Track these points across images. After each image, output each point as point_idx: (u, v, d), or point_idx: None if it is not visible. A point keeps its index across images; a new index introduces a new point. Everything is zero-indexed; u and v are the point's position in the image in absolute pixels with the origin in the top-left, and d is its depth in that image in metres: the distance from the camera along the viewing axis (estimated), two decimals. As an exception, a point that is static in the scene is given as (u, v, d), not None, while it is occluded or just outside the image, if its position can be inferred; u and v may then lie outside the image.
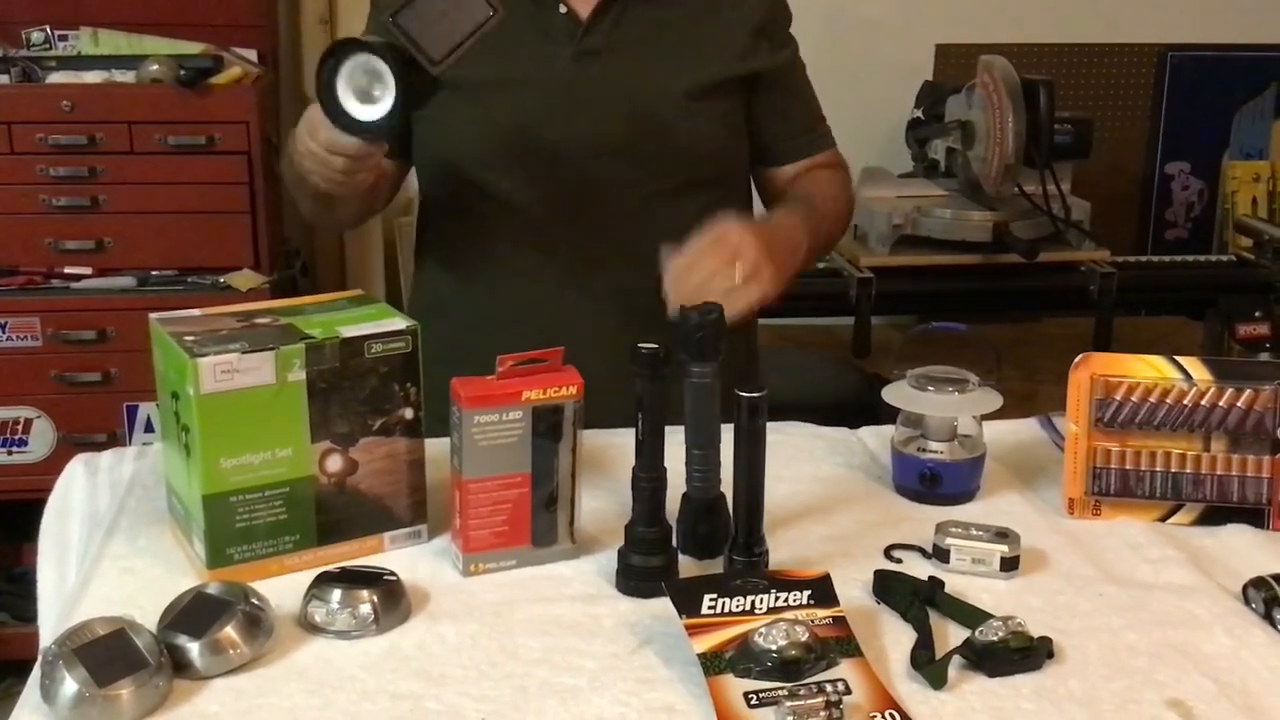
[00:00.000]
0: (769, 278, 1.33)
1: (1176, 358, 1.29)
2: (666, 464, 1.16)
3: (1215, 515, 1.29)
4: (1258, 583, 1.15)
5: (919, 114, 2.87)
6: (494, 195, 1.56)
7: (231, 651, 1.01)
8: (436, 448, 1.23)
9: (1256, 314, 2.59)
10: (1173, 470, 1.29)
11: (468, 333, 1.54)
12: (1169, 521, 1.30)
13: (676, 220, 1.54)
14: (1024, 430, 1.52)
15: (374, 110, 1.27)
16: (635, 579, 1.15)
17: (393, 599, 1.09)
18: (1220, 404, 1.27)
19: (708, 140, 1.60)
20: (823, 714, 0.93)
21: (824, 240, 1.61)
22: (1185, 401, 1.28)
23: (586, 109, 1.54)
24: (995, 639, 1.03)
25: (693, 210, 1.54)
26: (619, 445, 1.28)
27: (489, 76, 1.52)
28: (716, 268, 1.31)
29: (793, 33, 1.67)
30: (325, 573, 1.11)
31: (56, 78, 2.49)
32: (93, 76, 2.50)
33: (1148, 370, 1.28)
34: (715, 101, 1.58)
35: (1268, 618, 1.12)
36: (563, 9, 1.54)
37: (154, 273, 2.47)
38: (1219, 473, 1.29)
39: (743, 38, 1.60)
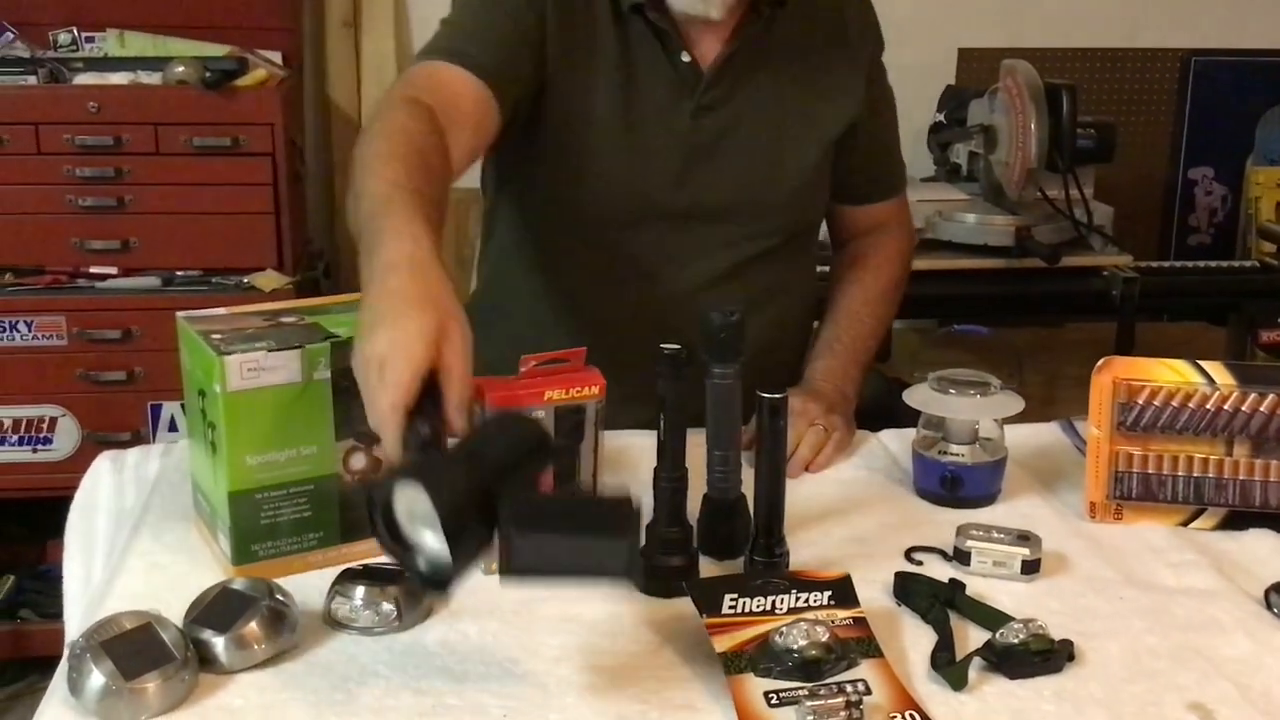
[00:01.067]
0: (838, 423, 1.47)
1: (1199, 362, 1.29)
2: (687, 465, 1.16)
3: (1238, 520, 1.29)
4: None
5: (941, 118, 2.86)
6: (586, 242, 1.53)
7: (256, 647, 1.02)
8: (459, 447, 1.23)
9: (1279, 320, 2.57)
10: (1195, 475, 1.29)
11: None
12: (1191, 526, 1.30)
13: (758, 280, 1.54)
14: (1045, 434, 1.53)
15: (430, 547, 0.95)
16: (656, 578, 1.15)
17: (415, 596, 1.10)
18: (1243, 408, 1.27)
19: (814, 203, 1.59)
20: (843, 714, 0.94)
21: (872, 357, 1.65)
22: (1208, 406, 1.27)
23: (702, 173, 1.51)
24: (1016, 641, 1.03)
25: (774, 270, 1.56)
26: (640, 446, 1.28)
27: (608, 125, 1.48)
28: (802, 432, 1.43)
29: None
30: (349, 570, 1.12)
31: (83, 79, 2.51)
32: (119, 78, 2.51)
33: (1170, 374, 1.28)
34: (825, 162, 1.57)
35: (1290, 622, 1.12)
36: (686, 57, 1.49)
37: (179, 273, 2.49)
38: (1241, 477, 1.29)
39: (855, 84, 1.58)
